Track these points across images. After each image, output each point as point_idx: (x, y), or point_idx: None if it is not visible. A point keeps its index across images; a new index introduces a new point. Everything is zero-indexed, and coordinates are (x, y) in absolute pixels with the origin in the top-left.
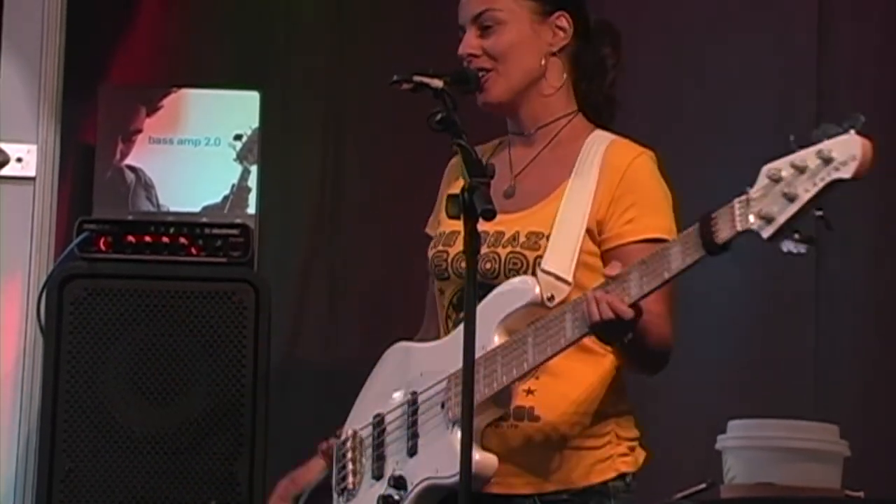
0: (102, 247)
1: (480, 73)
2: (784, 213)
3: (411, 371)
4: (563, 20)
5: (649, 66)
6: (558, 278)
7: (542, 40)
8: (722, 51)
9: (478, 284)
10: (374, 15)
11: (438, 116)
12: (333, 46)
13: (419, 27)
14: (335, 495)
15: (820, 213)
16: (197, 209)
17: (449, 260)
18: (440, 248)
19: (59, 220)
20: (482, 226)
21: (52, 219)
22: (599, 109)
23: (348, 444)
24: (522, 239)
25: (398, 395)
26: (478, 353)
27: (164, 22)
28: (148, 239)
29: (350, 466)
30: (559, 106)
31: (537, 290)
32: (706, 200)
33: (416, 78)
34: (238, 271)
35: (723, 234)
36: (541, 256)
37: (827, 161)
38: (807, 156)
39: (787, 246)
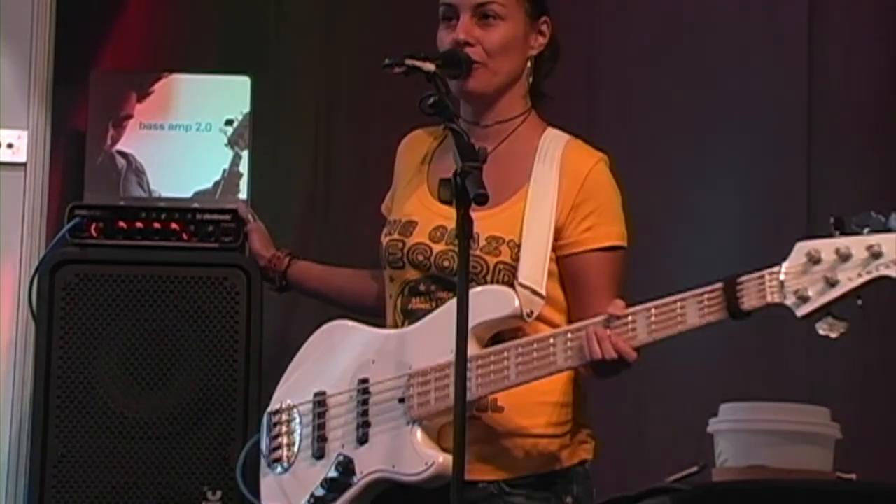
0: (94, 232)
1: (473, 62)
2: (823, 297)
3: (361, 355)
4: (546, 26)
5: (638, 46)
6: (534, 292)
7: (527, 43)
8: (711, 37)
9: (433, 278)
10: None
11: (431, 100)
12: (325, 31)
13: (410, 11)
14: (264, 463)
15: (859, 301)
16: (188, 194)
17: (405, 250)
18: (396, 236)
19: (51, 206)
20: (441, 220)
21: (44, 204)
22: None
23: (282, 416)
24: (482, 242)
25: (345, 377)
26: (443, 358)
27: (155, 7)
28: (139, 224)
29: (284, 439)
30: (521, 105)
31: (516, 303)
32: (700, 191)
33: (409, 61)
34: (230, 256)
35: (750, 302)
36: (503, 262)
37: (876, 255)
38: (852, 245)
39: (823, 329)
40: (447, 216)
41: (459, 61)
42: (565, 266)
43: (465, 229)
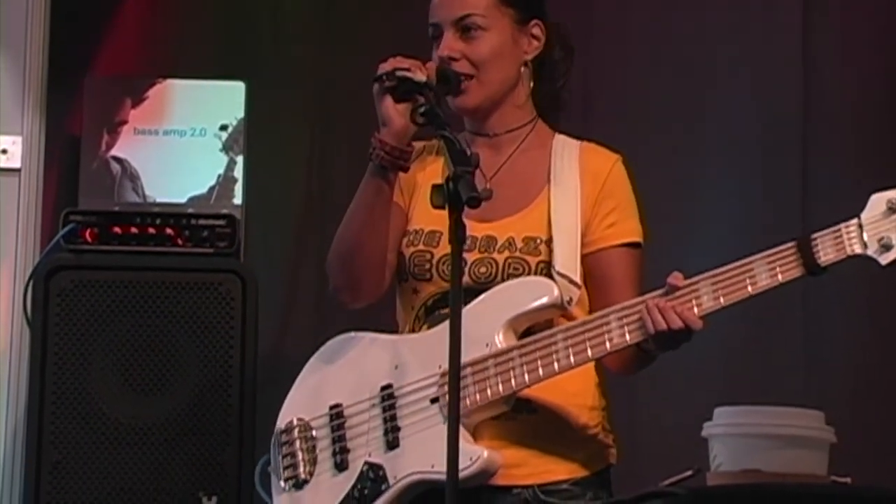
0: (88, 238)
1: (461, 78)
2: None
3: (380, 362)
4: (538, 29)
5: (634, 50)
6: (571, 281)
7: (519, 49)
8: (707, 40)
9: (465, 288)
10: (360, 4)
11: (422, 109)
12: (319, 36)
13: (405, 17)
14: (279, 483)
15: None
16: (183, 200)
17: (434, 262)
18: (421, 247)
19: (45, 212)
20: (469, 230)
21: (38, 210)
22: (546, 109)
23: (294, 433)
24: (520, 244)
25: (363, 386)
26: (479, 352)
27: (150, 12)
28: (134, 230)
29: (301, 456)
30: (526, 112)
31: (556, 291)
32: (695, 195)
33: (400, 73)
34: (225, 262)
35: (828, 256)
36: (544, 261)
37: None
38: None
39: None
40: (469, 225)
41: (448, 77)
42: (589, 263)
43: (458, 234)
